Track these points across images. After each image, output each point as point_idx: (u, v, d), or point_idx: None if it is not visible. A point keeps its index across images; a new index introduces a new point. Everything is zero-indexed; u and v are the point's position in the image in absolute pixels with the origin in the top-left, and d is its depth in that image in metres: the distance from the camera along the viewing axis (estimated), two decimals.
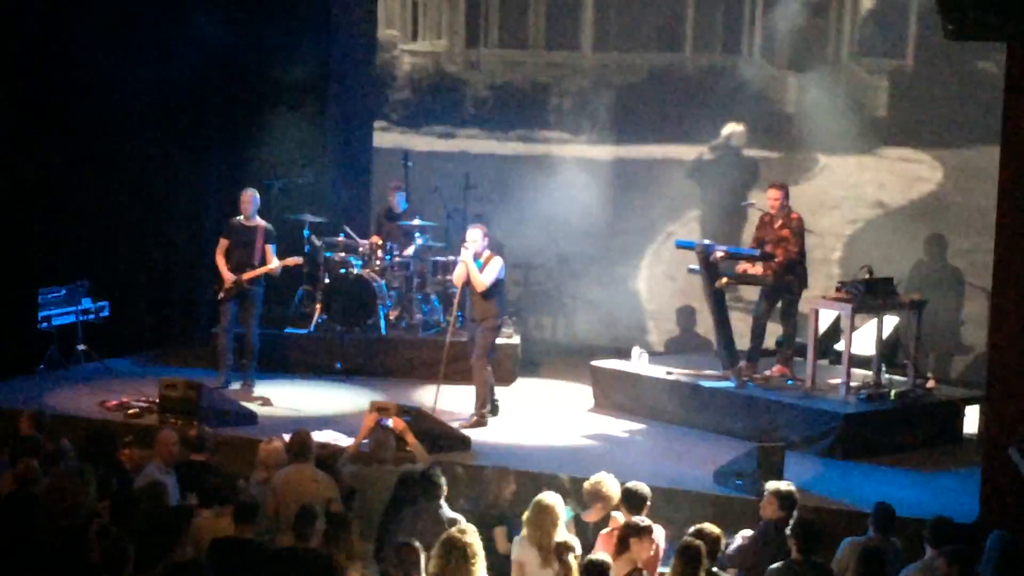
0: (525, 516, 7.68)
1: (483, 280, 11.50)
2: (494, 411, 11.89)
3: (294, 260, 12.73)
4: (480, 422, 11.60)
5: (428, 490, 8.23)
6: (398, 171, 14.47)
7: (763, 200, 12.25)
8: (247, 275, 12.41)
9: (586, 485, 8.33)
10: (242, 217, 12.55)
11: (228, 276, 12.40)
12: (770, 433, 11.01)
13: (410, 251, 13.65)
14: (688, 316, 14.27)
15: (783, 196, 11.97)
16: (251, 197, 12.54)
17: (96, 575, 6.74)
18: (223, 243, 12.55)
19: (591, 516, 8.13)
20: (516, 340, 13.72)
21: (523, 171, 14.95)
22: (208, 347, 13.15)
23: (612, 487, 8.19)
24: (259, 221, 12.57)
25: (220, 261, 12.50)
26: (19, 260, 13.16)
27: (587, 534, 8.00)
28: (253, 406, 11.78)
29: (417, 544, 7.02)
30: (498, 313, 11.69)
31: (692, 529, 7.53)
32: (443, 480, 8.34)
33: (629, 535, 7.46)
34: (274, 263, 12.50)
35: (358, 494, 8.87)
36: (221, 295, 12.45)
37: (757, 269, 12.02)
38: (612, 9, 14.77)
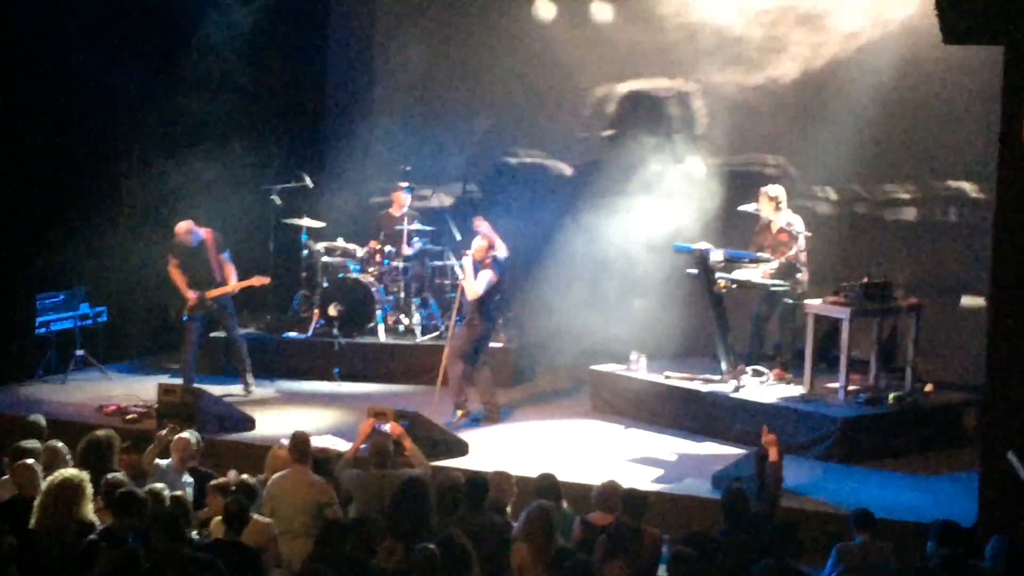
0: (521, 522, 7.66)
1: (475, 288, 11.61)
2: (462, 407, 11.91)
3: (259, 280, 12.71)
4: (464, 414, 11.73)
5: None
6: (398, 175, 14.47)
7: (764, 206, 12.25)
8: (211, 293, 12.39)
9: (596, 488, 8.31)
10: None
11: (191, 295, 12.36)
12: None
13: (410, 251, 13.65)
14: (686, 320, 14.23)
15: (774, 201, 11.98)
16: (188, 230, 12.41)
17: None
18: (174, 261, 12.47)
19: (598, 520, 8.10)
20: (514, 344, 13.73)
21: (523, 175, 15.00)
22: (206, 353, 13.13)
23: (621, 492, 8.17)
24: (204, 235, 12.47)
25: (178, 280, 12.43)
26: (17, 266, 13.16)
27: (594, 538, 7.96)
28: (251, 410, 11.78)
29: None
30: (481, 319, 11.75)
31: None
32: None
33: None
34: (232, 282, 12.45)
35: (355, 499, 8.87)
36: (186, 314, 12.39)
37: (755, 273, 12.02)
38: None
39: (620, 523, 7.65)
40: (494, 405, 11.98)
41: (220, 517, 7.88)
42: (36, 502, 7.68)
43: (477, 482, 8.19)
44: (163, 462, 9.14)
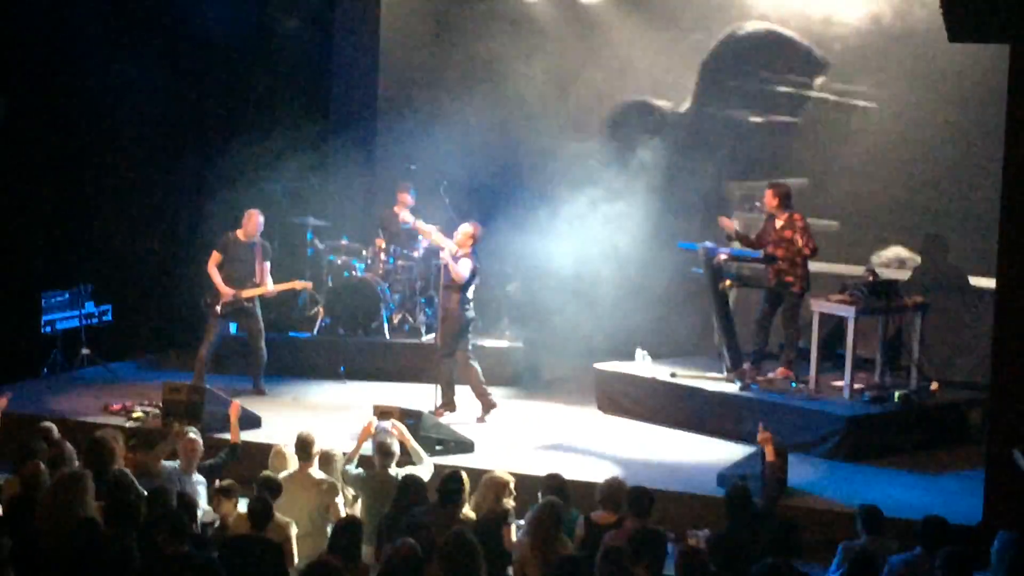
0: (526, 518, 7.66)
1: (460, 272, 11.76)
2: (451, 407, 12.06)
3: (301, 284, 12.79)
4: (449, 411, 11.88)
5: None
6: (403, 174, 14.48)
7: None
8: (247, 292, 12.36)
9: (599, 486, 8.30)
10: (241, 232, 12.46)
11: (227, 291, 12.32)
12: (774, 436, 10.98)
13: (419, 253, 13.68)
14: (691, 318, 14.22)
15: (778, 197, 11.97)
16: (259, 219, 12.44)
17: None
18: (216, 256, 12.43)
19: (602, 518, 8.09)
20: (519, 342, 13.74)
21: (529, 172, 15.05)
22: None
23: (626, 490, 8.16)
24: (258, 238, 12.51)
25: (215, 274, 12.39)
26: (23, 264, 13.18)
27: (597, 536, 7.95)
28: (257, 408, 11.79)
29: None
30: (459, 309, 11.86)
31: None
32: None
33: None
34: (270, 284, 12.45)
35: (361, 498, 8.88)
36: (218, 308, 12.37)
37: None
38: None
39: (642, 527, 7.60)
40: (488, 398, 12.01)
41: (234, 514, 7.93)
42: (39, 500, 7.70)
43: (451, 479, 8.18)
44: (168, 464, 9.12)
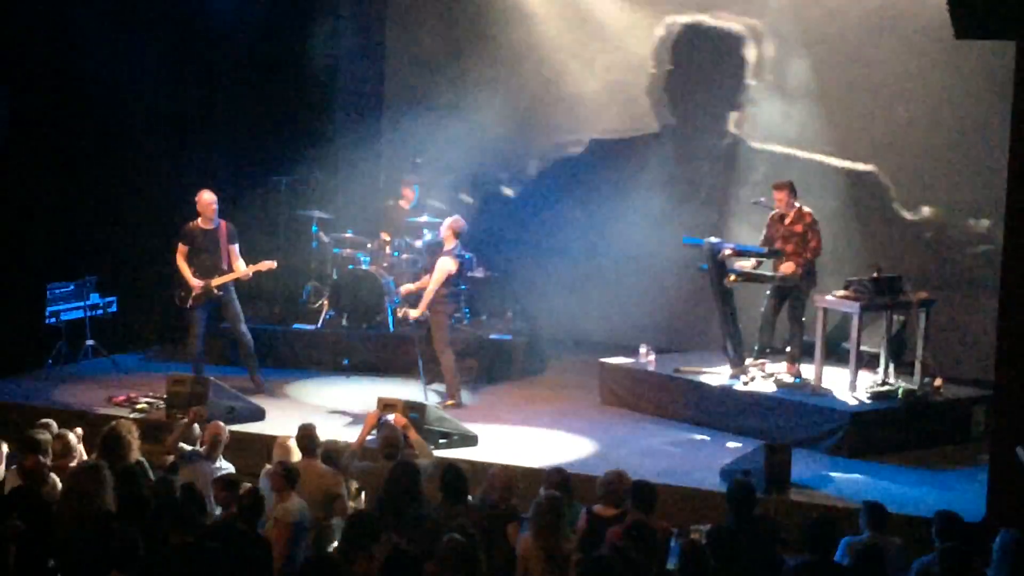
0: (529, 514, 7.66)
1: (432, 286, 12.02)
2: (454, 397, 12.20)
3: (267, 265, 12.42)
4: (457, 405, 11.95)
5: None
6: (408, 168, 14.48)
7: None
8: (217, 281, 12.13)
9: (600, 479, 8.30)
10: (201, 220, 12.25)
11: (195, 283, 12.08)
12: (777, 431, 11.00)
13: (419, 244, 13.69)
14: (696, 314, 14.23)
15: (788, 195, 11.95)
16: (213, 201, 12.16)
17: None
18: (182, 248, 12.17)
19: (604, 511, 8.09)
20: (524, 337, 13.75)
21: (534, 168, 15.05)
22: (214, 344, 13.12)
23: (628, 484, 8.16)
24: (220, 222, 12.27)
25: (183, 267, 12.13)
26: (28, 255, 13.18)
27: (599, 529, 7.95)
28: (261, 401, 11.81)
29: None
30: (443, 300, 12.03)
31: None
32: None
33: None
34: (242, 268, 12.22)
35: (366, 491, 8.89)
36: (190, 302, 12.19)
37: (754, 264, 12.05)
38: None
39: (645, 521, 7.60)
40: (457, 388, 12.15)
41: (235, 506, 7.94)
42: (60, 489, 7.72)
43: (450, 473, 8.18)
44: (187, 448, 9.15)
